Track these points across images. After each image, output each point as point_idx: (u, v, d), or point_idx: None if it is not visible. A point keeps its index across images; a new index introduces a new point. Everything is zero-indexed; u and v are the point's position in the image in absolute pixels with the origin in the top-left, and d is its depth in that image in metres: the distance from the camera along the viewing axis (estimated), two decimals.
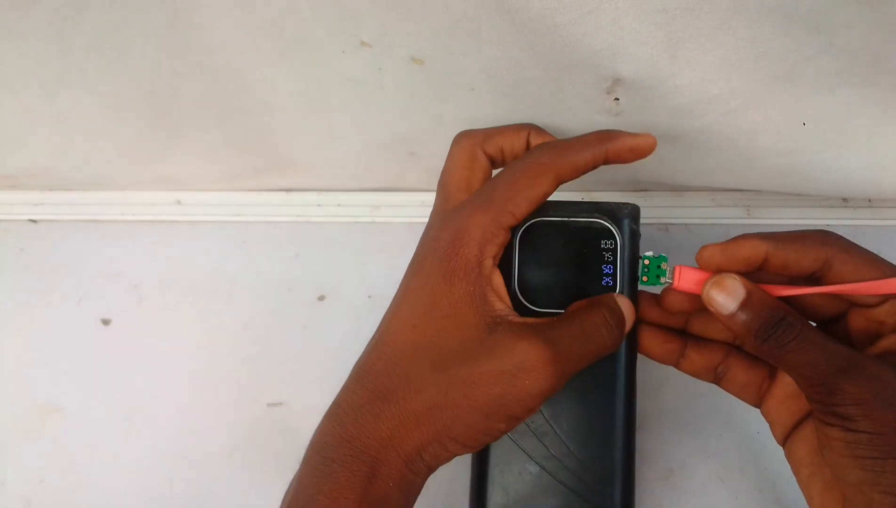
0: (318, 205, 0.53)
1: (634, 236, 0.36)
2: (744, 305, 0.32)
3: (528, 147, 0.38)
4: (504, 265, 0.35)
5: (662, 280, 0.35)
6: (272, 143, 0.46)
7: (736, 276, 0.33)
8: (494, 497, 0.36)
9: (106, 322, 0.52)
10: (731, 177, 0.44)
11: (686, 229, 0.50)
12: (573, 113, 0.38)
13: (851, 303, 0.34)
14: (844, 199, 0.49)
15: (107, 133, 0.45)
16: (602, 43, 0.33)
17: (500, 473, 0.36)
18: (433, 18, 0.33)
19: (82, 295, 0.53)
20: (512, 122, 0.40)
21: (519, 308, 0.35)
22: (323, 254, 0.52)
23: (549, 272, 0.36)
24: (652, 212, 0.50)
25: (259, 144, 0.46)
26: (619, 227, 0.36)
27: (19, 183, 0.54)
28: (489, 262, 0.34)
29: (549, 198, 0.35)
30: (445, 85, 0.37)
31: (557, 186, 0.34)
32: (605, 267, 0.36)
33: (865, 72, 0.35)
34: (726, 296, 0.32)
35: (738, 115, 0.37)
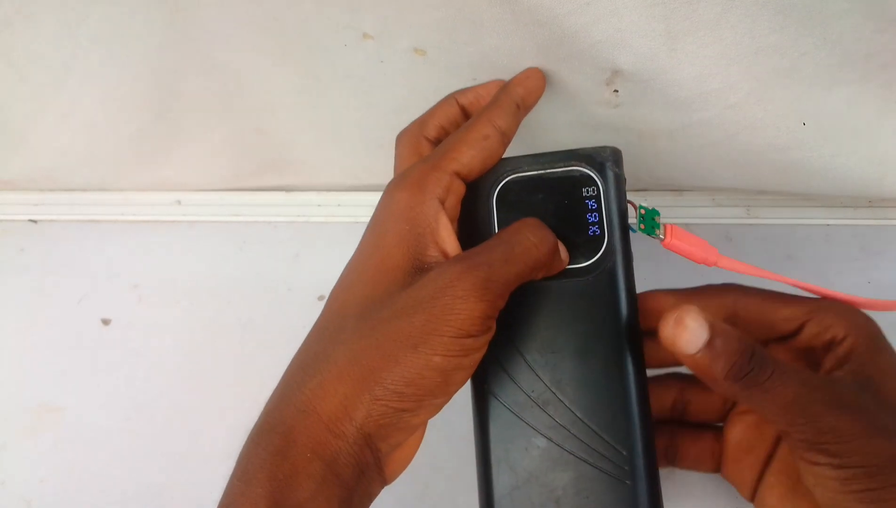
0: (319, 206, 0.53)
1: (618, 180, 0.34)
2: (709, 344, 0.29)
3: (464, 113, 0.36)
4: (484, 229, 0.34)
5: (658, 232, 0.34)
6: (273, 141, 0.47)
7: (696, 310, 0.29)
8: (501, 478, 0.32)
9: (106, 322, 0.52)
10: (729, 172, 0.45)
11: (686, 228, 0.50)
12: (573, 104, 0.39)
13: (769, 340, 0.33)
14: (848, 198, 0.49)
15: (109, 129, 0.45)
16: (601, 34, 0.33)
17: (504, 451, 0.32)
18: (435, 7, 0.33)
19: (82, 295, 0.52)
20: None
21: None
22: (323, 255, 0.52)
23: None
24: (644, 203, 0.50)
25: (259, 142, 0.47)
26: (601, 172, 0.33)
27: (20, 187, 0.55)
28: (430, 204, 0.31)
29: (526, 153, 0.34)
30: (447, 75, 0.37)
31: (496, 129, 0.33)
32: (590, 216, 0.33)
33: (861, 68, 0.35)
34: (690, 334, 0.29)
35: (738, 110, 0.38)
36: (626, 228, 0.33)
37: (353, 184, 0.52)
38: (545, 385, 0.32)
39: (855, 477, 0.27)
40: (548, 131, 0.38)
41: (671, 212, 0.50)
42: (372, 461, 0.29)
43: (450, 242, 0.31)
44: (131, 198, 0.54)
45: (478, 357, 0.30)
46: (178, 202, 0.54)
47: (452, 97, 0.36)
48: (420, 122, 0.36)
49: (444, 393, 0.29)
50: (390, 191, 0.32)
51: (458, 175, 0.32)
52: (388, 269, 0.30)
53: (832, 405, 0.28)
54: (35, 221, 0.55)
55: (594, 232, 0.33)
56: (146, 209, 0.54)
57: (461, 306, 0.28)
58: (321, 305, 0.51)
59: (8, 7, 0.37)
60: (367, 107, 0.42)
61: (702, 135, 0.40)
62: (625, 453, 0.31)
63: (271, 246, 0.53)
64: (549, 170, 0.34)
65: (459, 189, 0.33)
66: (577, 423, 0.32)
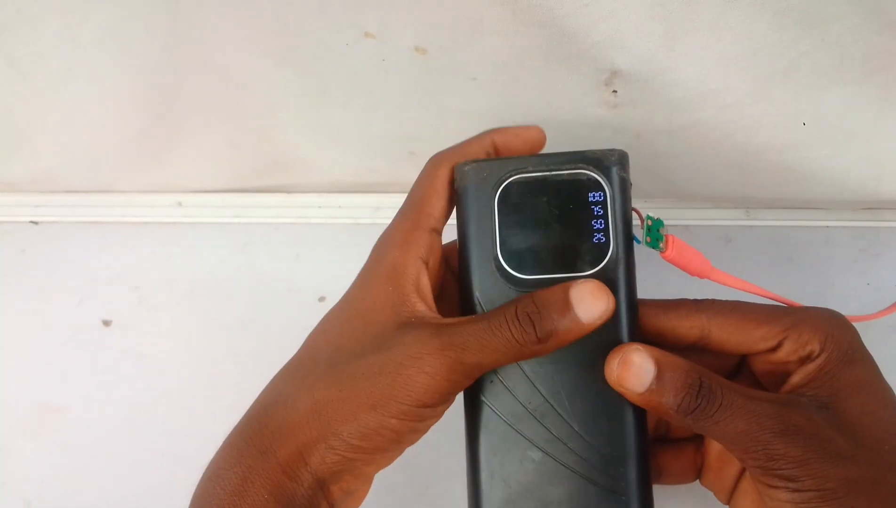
0: (319, 207, 0.53)
1: (625, 185, 0.32)
2: (657, 379, 0.29)
3: (495, 152, 0.36)
4: (484, 231, 0.32)
5: (661, 244, 0.33)
6: (273, 142, 0.47)
7: (640, 347, 0.30)
8: (494, 491, 0.31)
9: (107, 323, 0.52)
10: (727, 174, 0.45)
11: (686, 230, 0.50)
12: (572, 104, 0.39)
13: (747, 355, 0.33)
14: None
15: (110, 130, 0.45)
16: (600, 35, 0.33)
17: (498, 464, 0.31)
18: (437, 7, 0.33)
19: (83, 296, 0.53)
20: (511, 113, 0.40)
21: (505, 277, 0.32)
22: (324, 255, 0.52)
23: (534, 234, 0.32)
24: (650, 213, 0.50)
25: (260, 142, 0.47)
26: (608, 177, 0.32)
27: (21, 188, 0.55)
28: (413, 265, 0.32)
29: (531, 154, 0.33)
30: (447, 74, 0.38)
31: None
32: (596, 223, 0.32)
33: (858, 69, 0.36)
34: (637, 372, 0.29)
35: (736, 110, 0.38)
36: (630, 237, 0.32)
37: (354, 183, 0.52)
38: (543, 397, 0.32)
39: (810, 500, 0.27)
40: (546, 131, 0.38)
41: (671, 214, 0.50)
42: (325, 505, 0.30)
43: (429, 304, 0.32)
44: (132, 200, 0.55)
45: (432, 423, 0.31)
46: (180, 204, 0.54)
47: (489, 134, 0.36)
48: (455, 152, 0.35)
49: (396, 450, 0.31)
50: (378, 249, 0.33)
51: (435, 231, 0.33)
52: (367, 324, 0.31)
53: (783, 433, 0.28)
54: (36, 222, 0.55)
55: (599, 239, 0.32)
56: (147, 211, 0.54)
57: (424, 380, 0.29)
58: (322, 306, 0.51)
59: (10, 8, 0.37)
60: (369, 106, 0.42)
61: (700, 135, 0.40)
62: (621, 468, 0.30)
63: (272, 247, 0.53)
64: (554, 172, 0.32)
65: (438, 245, 0.33)
66: (574, 436, 0.31)
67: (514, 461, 0.31)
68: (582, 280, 0.30)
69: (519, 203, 0.32)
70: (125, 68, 0.40)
